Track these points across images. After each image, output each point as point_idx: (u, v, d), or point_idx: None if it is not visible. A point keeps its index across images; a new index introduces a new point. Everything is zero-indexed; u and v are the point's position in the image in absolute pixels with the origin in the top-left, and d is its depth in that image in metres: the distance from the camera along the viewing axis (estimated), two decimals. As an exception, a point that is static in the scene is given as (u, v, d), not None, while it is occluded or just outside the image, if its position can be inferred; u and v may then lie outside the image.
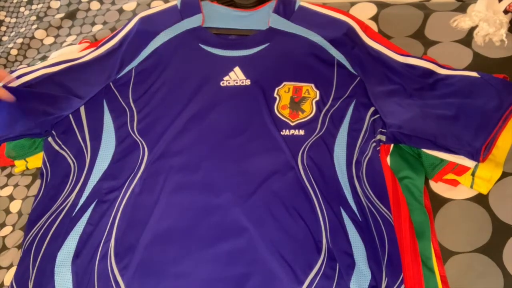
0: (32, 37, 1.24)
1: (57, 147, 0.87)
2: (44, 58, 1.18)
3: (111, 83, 0.92)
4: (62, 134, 0.88)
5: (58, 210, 0.81)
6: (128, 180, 0.82)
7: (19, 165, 0.94)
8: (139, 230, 0.77)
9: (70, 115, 0.89)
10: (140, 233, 0.76)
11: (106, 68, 0.94)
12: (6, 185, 0.95)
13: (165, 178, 0.81)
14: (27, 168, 0.95)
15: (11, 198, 0.93)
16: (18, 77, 0.93)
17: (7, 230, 0.89)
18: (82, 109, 0.90)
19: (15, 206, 0.92)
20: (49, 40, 1.24)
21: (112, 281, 0.73)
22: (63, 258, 0.76)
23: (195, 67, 0.92)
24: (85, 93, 0.91)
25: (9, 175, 0.97)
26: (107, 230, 0.77)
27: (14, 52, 1.22)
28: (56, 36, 1.25)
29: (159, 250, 0.75)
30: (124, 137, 0.87)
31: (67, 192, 0.82)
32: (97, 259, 0.75)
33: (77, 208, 0.80)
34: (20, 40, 1.24)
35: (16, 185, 0.94)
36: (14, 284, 0.76)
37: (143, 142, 0.86)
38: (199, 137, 0.84)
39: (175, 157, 0.83)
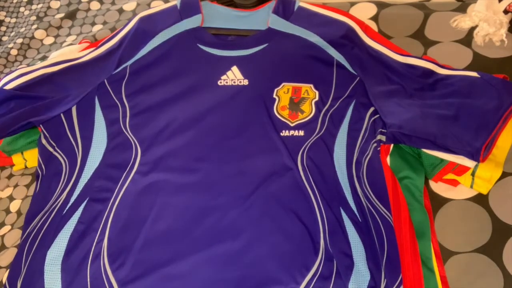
0: (32, 37, 1.24)
1: (51, 149, 0.86)
2: (44, 58, 1.18)
3: (105, 80, 0.92)
4: (54, 134, 0.87)
5: (51, 209, 0.80)
6: (121, 180, 0.82)
7: (18, 163, 0.93)
8: (135, 231, 0.76)
9: (61, 114, 0.89)
10: (135, 234, 0.76)
11: (105, 68, 0.93)
12: (7, 186, 0.95)
13: (162, 179, 0.81)
14: (26, 167, 0.94)
15: (11, 198, 0.93)
16: (18, 76, 0.93)
17: (5, 229, 0.89)
18: (73, 108, 0.90)
19: (14, 206, 0.92)
20: (49, 40, 1.24)
21: (105, 281, 0.72)
22: (53, 257, 0.75)
23: (192, 67, 0.92)
24: (85, 93, 0.91)
25: (10, 176, 0.97)
26: (99, 229, 0.77)
27: (14, 52, 1.22)
28: (56, 36, 1.25)
29: (155, 251, 0.74)
30: (116, 134, 0.86)
31: (59, 191, 0.82)
32: (90, 258, 0.75)
33: (67, 206, 0.80)
34: (20, 40, 1.24)
35: (16, 185, 0.94)
36: (6, 283, 0.76)
37: (135, 140, 0.85)
38: (196, 137, 0.84)
39: (172, 157, 0.83)
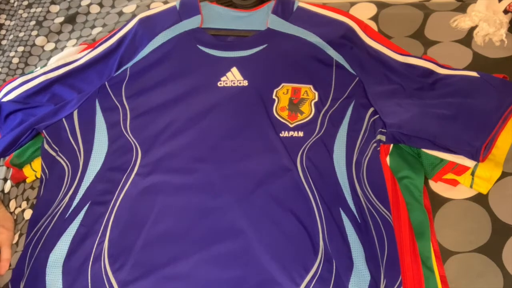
0: (33, 45, 1.24)
1: (53, 153, 0.86)
2: (45, 65, 1.17)
3: (106, 83, 0.92)
4: (56, 139, 0.87)
5: (53, 213, 0.81)
6: (122, 182, 0.82)
7: (29, 175, 0.92)
8: (135, 232, 0.77)
9: (63, 119, 0.89)
10: (135, 235, 0.76)
11: (105, 68, 0.93)
12: (22, 200, 0.94)
13: (162, 181, 0.81)
14: (37, 178, 0.93)
15: (23, 210, 0.92)
16: (20, 85, 0.93)
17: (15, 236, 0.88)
18: (74, 111, 0.90)
19: (27, 215, 0.91)
20: (49, 46, 1.23)
21: (106, 282, 0.73)
22: (55, 259, 0.76)
23: (191, 68, 0.92)
24: (86, 96, 0.91)
25: (23, 191, 0.95)
26: (100, 231, 0.77)
27: (15, 60, 1.22)
28: (56, 42, 1.24)
29: (155, 252, 0.75)
30: (117, 137, 0.87)
31: (62, 195, 0.82)
32: (91, 260, 0.75)
33: (70, 210, 0.80)
34: (21, 48, 1.23)
35: (27, 199, 0.93)
36: (9, 285, 0.77)
37: (136, 142, 0.85)
38: (196, 138, 0.84)
39: (172, 159, 0.83)
